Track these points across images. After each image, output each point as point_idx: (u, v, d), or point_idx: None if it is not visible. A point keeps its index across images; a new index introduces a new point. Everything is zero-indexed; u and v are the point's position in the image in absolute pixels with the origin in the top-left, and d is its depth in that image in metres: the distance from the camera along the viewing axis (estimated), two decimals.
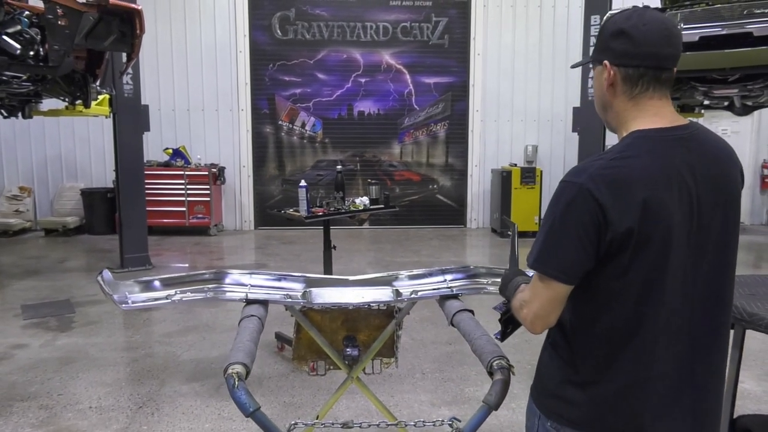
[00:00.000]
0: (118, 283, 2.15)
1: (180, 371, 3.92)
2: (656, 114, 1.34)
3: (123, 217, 6.98)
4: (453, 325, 1.97)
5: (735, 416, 2.55)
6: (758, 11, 4.59)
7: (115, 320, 5.05)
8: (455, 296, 2.17)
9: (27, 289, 6.10)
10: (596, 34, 7.01)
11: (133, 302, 2.10)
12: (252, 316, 1.95)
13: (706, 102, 6.56)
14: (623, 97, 1.36)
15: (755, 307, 2.19)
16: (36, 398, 3.49)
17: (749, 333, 2.36)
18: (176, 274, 2.23)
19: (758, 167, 10.76)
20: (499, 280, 2.31)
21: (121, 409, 3.35)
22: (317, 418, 2.51)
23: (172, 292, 2.15)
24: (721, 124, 10.61)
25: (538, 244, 1.33)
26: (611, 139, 9.10)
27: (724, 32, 4.64)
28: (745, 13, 4.62)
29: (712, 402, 1.40)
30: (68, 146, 9.94)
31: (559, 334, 1.42)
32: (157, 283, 2.21)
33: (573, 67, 1.72)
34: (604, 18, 1.34)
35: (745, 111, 6.91)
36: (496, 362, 1.59)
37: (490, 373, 1.58)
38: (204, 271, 2.31)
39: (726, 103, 6.55)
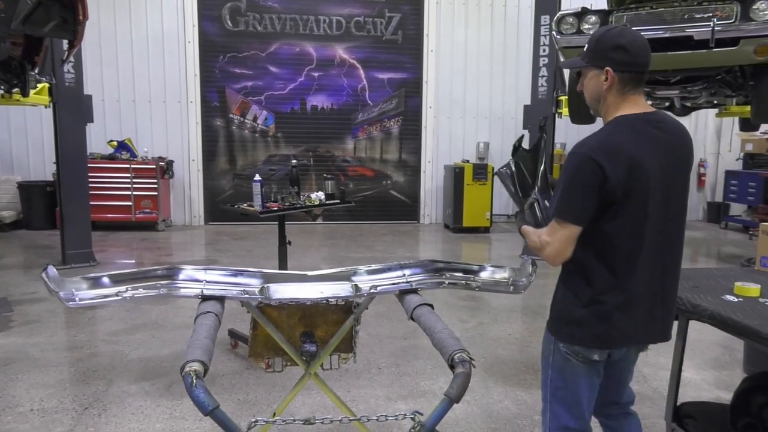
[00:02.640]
0: (64, 279, 2.05)
1: (128, 371, 3.79)
2: (635, 104, 1.84)
3: (64, 212, 6.68)
4: (413, 319, 1.97)
5: (678, 404, 2.66)
6: (698, 16, 4.80)
7: (57, 319, 4.83)
8: (414, 291, 2.17)
9: None
10: (546, 34, 7.20)
11: (80, 299, 2.01)
12: (208, 312, 1.89)
13: (649, 102, 6.82)
14: (616, 93, 1.84)
15: (698, 299, 2.29)
16: None
17: (690, 324, 2.48)
18: (127, 270, 2.14)
19: (696, 166, 11.29)
20: (457, 274, 2.37)
21: (65, 411, 3.21)
22: (274, 415, 2.47)
23: (122, 288, 2.07)
24: None
25: (557, 199, 1.81)
26: (559, 137, 9.39)
27: (666, 35, 4.83)
28: (686, 17, 4.82)
29: (672, 311, 1.96)
30: (3, 137, 9.43)
31: (570, 270, 1.90)
32: (106, 280, 2.12)
33: (565, 67, 2.13)
34: (598, 33, 1.89)
35: (684, 112, 7.23)
36: (458, 355, 1.59)
37: (452, 366, 1.59)
38: (157, 267, 2.23)
39: (667, 104, 6.83)
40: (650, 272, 1.83)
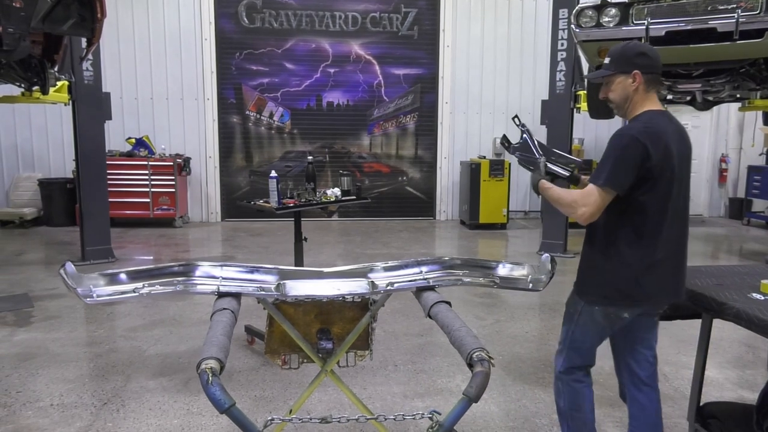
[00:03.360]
0: (82, 276, 2.06)
1: (146, 366, 3.82)
2: (654, 102, 2.25)
3: (84, 209, 6.75)
4: (430, 316, 1.95)
5: (701, 404, 2.61)
6: (721, 7, 4.68)
7: (77, 314, 4.89)
8: (432, 288, 2.15)
9: None
10: (564, 27, 7.10)
11: (98, 296, 2.02)
12: (224, 309, 1.89)
13: (669, 96, 6.70)
14: (642, 92, 2.22)
15: (723, 297, 2.23)
16: None
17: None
18: (144, 267, 2.15)
19: (717, 161, 11.09)
20: (475, 271, 2.35)
21: (84, 406, 3.24)
22: (290, 413, 2.46)
23: (139, 285, 2.08)
24: (682, 119, 10.87)
25: (606, 171, 2.13)
26: (577, 132, 9.27)
27: (688, 27, 4.73)
28: (709, 8, 4.71)
29: (685, 272, 2.32)
30: (24, 135, 9.57)
31: (604, 238, 2.23)
32: (123, 276, 2.13)
33: (592, 78, 2.40)
34: (619, 47, 2.30)
35: (706, 106, 7.09)
36: (476, 354, 1.56)
37: (470, 365, 1.56)
38: (173, 264, 2.23)
39: (688, 98, 6.70)
40: (669, 239, 2.19)
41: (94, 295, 2.01)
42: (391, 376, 3.70)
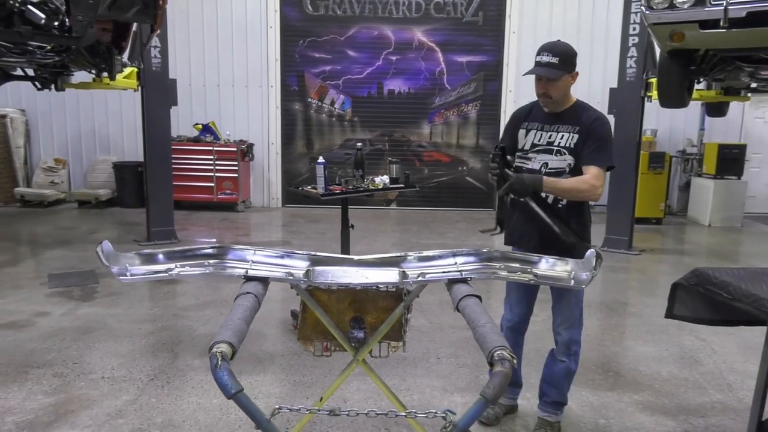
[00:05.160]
0: (119, 255, 2.10)
1: (194, 345, 3.92)
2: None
3: (150, 191, 7.03)
4: (458, 310, 1.86)
5: (764, 419, 2.38)
6: None
7: (137, 292, 5.10)
8: (464, 280, 2.06)
9: (56, 258, 6.22)
10: (637, 11, 6.70)
11: (132, 275, 2.06)
12: (248, 293, 1.88)
13: (753, 84, 6.20)
14: (571, 87, 2.76)
15: None
16: (52, 366, 3.53)
17: None
18: (178, 248, 2.17)
19: None
20: (513, 264, 2.23)
21: (132, 380, 3.37)
22: (321, 401, 2.44)
23: (172, 266, 2.10)
24: None
25: (610, 153, 2.66)
26: (649, 123, 8.77)
27: None
28: None
29: None
30: (101, 120, 10.08)
31: (581, 203, 2.73)
32: (159, 256, 2.16)
33: (547, 75, 2.66)
34: (564, 49, 2.66)
35: None
36: (498, 353, 1.47)
37: (491, 364, 1.47)
38: (208, 246, 2.25)
39: None
40: None
41: (129, 274, 2.06)
42: (433, 369, 3.62)
